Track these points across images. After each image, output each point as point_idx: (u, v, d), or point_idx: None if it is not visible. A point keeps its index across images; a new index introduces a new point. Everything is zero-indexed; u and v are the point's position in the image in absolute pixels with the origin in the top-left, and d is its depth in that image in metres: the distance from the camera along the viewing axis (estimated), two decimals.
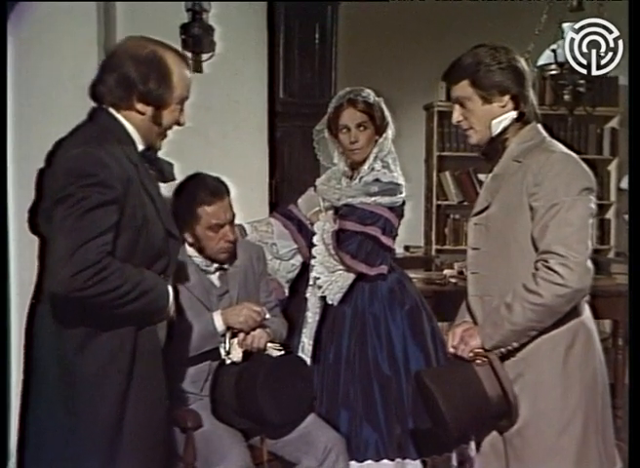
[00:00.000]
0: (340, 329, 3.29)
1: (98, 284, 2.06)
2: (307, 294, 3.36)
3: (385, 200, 3.26)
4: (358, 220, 3.24)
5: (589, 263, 2.29)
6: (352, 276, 3.27)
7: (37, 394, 2.23)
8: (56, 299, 2.14)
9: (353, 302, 3.30)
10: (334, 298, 3.29)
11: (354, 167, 3.36)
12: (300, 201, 3.48)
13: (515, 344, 2.36)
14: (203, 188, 2.94)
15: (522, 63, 2.48)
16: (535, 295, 2.28)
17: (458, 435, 2.43)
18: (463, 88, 2.45)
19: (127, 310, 2.15)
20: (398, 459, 3.21)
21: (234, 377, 2.90)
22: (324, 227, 3.30)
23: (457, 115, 2.50)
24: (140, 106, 2.23)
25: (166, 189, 2.45)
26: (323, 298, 3.32)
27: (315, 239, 3.31)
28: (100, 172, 2.09)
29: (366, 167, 3.30)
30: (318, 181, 3.48)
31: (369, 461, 3.19)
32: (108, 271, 2.07)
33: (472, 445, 2.95)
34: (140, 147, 2.28)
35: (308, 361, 3.27)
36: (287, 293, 3.48)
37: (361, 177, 3.31)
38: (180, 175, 3.07)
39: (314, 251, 3.30)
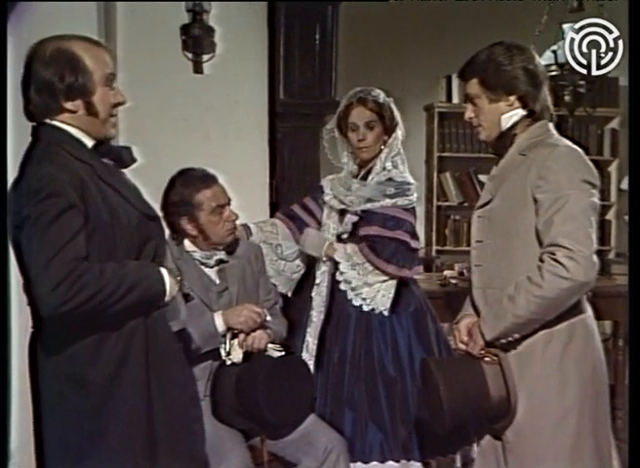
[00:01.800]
0: (345, 329, 3.29)
1: (79, 293, 2.03)
2: (313, 294, 3.36)
3: (405, 201, 3.27)
4: (384, 226, 3.24)
5: (595, 257, 2.29)
6: (394, 282, 3.28)
7: (54, 418, 2.19)
8: (51, 321, 2.11)
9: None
10: (385, 308, 3.27)
11: (362, 165, 3.37)
12: (307, 238, 3.39)
13: (517, 336, 2.36)
14: (196, 177, 3.00)
15: (536, 63, 2.48)
16: (539, 288, 2.28)
17: (452, 427, 2.43)
18: (472, 86, 2.49)
19: (123, 306, 2.12)
20: (403, 461, 3.21)
21: (234, 378, 2.90)
22: (347, 252, 3.28)
23: (468, 112, 2.54)
24: (69, 105, 2.18)
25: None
26: (329, 298, 3.31)
27: (342, 267, 3.28)
28: (47, 184, 2.06)
29: (378, 167, 3.32)
30: (325, 181, 3.48)
31: (374, 462, 3.19)
32: (86, 277, 2.04)
33: (475, 446, 2.95)
34: (90, 144, 2.23)
35: (312, 360, 3.27)
36: (290, 294, 3.48)
37: (373, 178, 3.32)
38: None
39: (345, 277, 3.27)
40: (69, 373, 2.15)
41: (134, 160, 2.32)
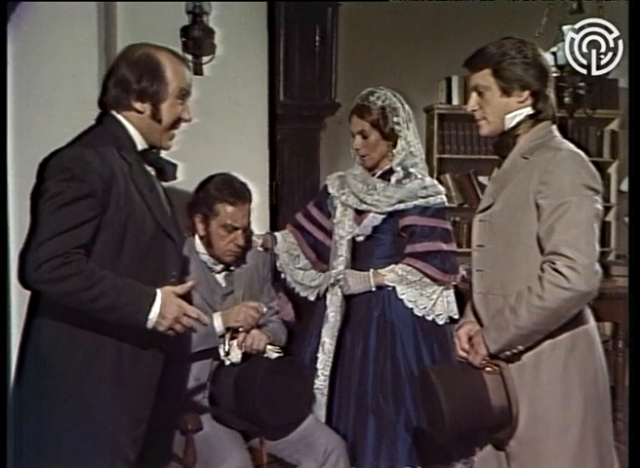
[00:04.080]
0: (367, 331, 3.28)
1: (61, 280, 2.08)
2: (327, 293, 3.35)
3: (437, 199, 3.29)
4: (435, 239, 3.26)
5: (597, 266, 2.25)
6: (451, 288, 3.34)
7: (20, 388, 2.24)
8: (32, 291, 2.18)
9: (381, 306, 3.29)
10: (455, 312, 3.31)
11: (371, 168, 3.36)
12: (348, 281, 3.34)
13: (521, 348, 2.32)
14: (229, 187, 3.00)
15: (546, 60, 2.44)
16: (540, 299, 2.24)
17: (453, 437, 2.41)
18: (484, 76, 2.41)
19: (98, 315, 2.15)
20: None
21: (233, 379, 2.90)
22: (399, 274, 3.27)
23: (472, 103, 2.46)
24: (138, 105, 2.29)
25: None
26: (345, 298, 3.31)
27: (400, 290, 3.28)
28: (77, 166, 2.14)
29: (400, 172, 3.30)
30: (330, 180, 3.47)
31: None
32: (73, 267, 2.09)
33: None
34: (141, 147, 2.32)
35: (330, 361, 3.26)
36: (312, 298, 3.49)
37: (398, 181, 3.29)
38: (182, 179, 3.09)
39: (407, 297, 3.28)
40: (35, 351, 2.20)
41: (174, 177, 2.39)
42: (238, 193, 3.00)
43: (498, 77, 2.39)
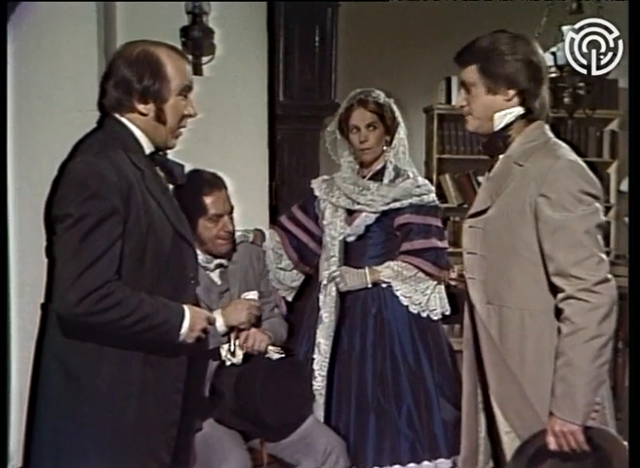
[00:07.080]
0: (364, 329, 3.29)
1: (104, 311, 2.07)
2: (320, 295, 3.34)
3: (430, 198, 3.32)
4: (431, 237, 3.29)
5: (609, 275, 2.17)
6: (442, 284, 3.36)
7: (43, 403, 2.23)
8: (61, 317, 2.15)
9: (377, 304, 3.30)
10: (446, 309, 3.33)
11: (365, 166, 3.37)
12: (344, 277, 3.34)
13: (598, 399, 2.20)
14: (200, 180, 3.00)
15: (540, 57, 2.35)
16: (583, 332, 2.14)
17: None
18: (471, 72, 2.32)
19: (133, 337, 2.16)
20: (434, 460, 3.22)
21: (234, 379, 2.90)
22: (394, 269, 3.28)
23: (460, 99, 2.38)
24: (141, 107, 2.22)
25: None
26: (339, 298, 3.31)
27: (395, 285, 3.28)
28: (94, 183, 2.09)
29: (390, 169, 3.32)
30: (316, 183, 3.47)
31: (411, 464, 3.19)
32: (115, 297, 2.08)
33: None
34: (148, 151, 2.26)
35: (326, 362, 3.25)
36: (290, 299, 3.48)
37: (391, 180, 3.32)
38: None
39: (402, 293, 3.29)
40: (62, 367, 2.18)
41: (184, 179, 2.36)
42: (210, 182, 3.01)
43: (483, 74, 2.30)
